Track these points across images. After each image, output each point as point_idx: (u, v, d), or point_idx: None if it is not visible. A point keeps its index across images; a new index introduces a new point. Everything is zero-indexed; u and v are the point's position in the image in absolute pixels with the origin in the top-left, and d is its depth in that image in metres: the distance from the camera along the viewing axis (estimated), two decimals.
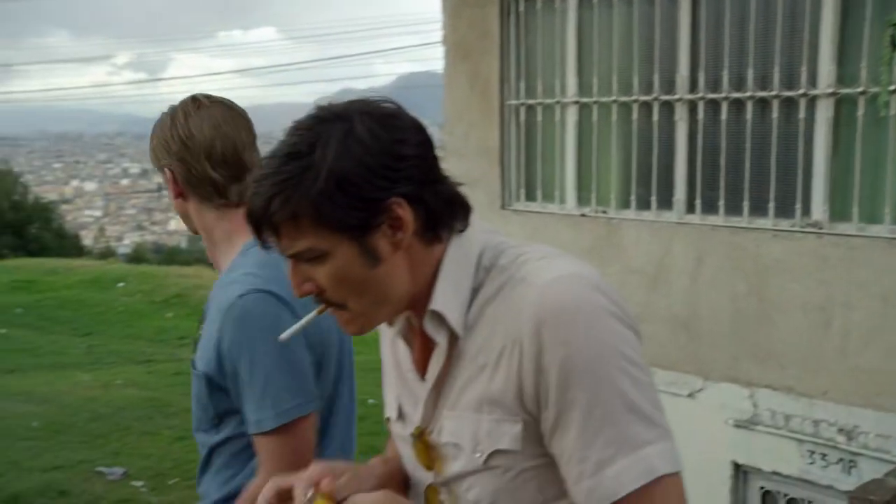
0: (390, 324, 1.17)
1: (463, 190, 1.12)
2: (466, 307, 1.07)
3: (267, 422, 1.52)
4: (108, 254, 33.37)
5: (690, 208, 4.11)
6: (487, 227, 1.15)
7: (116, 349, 11.71)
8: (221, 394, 1.58)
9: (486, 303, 1.07)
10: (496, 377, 1.03)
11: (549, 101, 4.62)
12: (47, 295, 15.79)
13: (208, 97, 1.72)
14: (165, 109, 1.74)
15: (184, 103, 1.71)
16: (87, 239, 44.27)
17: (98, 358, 11.23)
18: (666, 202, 4.20)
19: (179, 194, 1.70)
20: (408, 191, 1.03)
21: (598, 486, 0.97)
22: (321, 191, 0.99)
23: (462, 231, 1.10)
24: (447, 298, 1.07)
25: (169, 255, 34.03)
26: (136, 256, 32.49)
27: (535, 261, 1.06)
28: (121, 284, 16.40)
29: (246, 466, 1.61)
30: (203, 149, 1.65)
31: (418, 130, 1.07)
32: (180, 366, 9.64)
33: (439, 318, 1.07)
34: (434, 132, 1.14)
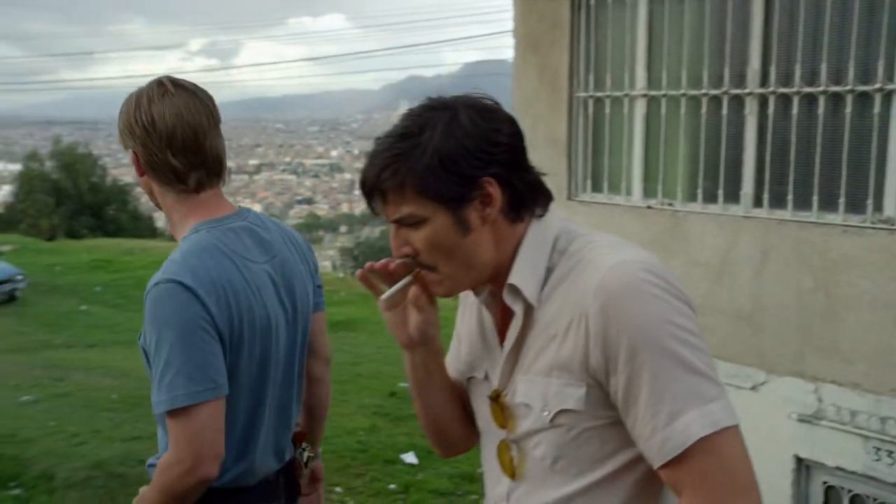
0: (475, 293, 1.32)
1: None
2: (541, 283, 1.21)
3: (161, 405, 1.61)
4: None
5: (758, 202, 4.09)
6: (563, 216, 1.28)
7: None
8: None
9: (558, 282, 1.21)
10: (564, 346, 1.17)
11: (617, 93, 4.65)
12: (124, 274, 16.46)
13: (174, 82, 1.75)
14: (133, 90, 1.76)
15: (150, 87, 1.74)
16: (160, 221, 45.62)
17: None
18: (733, 196, 4.19)
19: (143, 174, 1.78)
20: (499, 172, 1.18)
21: (669, 438, 1.08)
22: (426, 165, 1.15)
23: (541, 216, 1.25)
24: (524, 275, 1.21)
25: None
26: None
27: (602, 248, 1.19)
28: None
29: None
30: (164, 137, 1.69)
31: (511, 123, 1.22)
32: None
33: (516, 291, 1.22)
34: None
